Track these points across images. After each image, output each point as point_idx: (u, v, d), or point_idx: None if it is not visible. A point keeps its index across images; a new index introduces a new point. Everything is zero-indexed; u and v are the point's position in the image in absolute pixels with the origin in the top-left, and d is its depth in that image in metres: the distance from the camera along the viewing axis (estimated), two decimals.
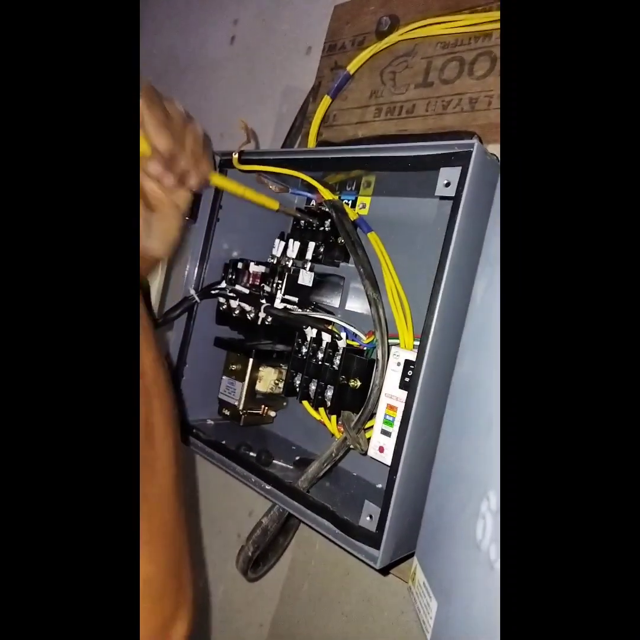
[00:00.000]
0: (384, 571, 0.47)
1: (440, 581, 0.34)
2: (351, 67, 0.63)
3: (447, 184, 0.39)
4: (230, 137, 0.96)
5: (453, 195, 0.38)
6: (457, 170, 0.38)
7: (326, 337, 0.50)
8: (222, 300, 0.59)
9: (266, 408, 0.60)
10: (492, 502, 0.30)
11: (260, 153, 0.53)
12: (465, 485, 0.33)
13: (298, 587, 0.74)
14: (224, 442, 0.57)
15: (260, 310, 0.53)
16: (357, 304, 0.61)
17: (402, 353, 0.44)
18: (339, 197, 0.58)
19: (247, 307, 0.55)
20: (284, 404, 0.63)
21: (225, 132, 1.00)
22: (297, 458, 0.57)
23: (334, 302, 0.62)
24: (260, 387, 0.59)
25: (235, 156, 0.49)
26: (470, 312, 0.37)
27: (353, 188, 0.60)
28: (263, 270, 0.56)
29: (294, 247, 0.58)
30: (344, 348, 0.49)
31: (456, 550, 0.33)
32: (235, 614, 0.81)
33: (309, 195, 0.63)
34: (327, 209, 0.58)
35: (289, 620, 0.74)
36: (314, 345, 0.51)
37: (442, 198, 0.40)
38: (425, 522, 0.39)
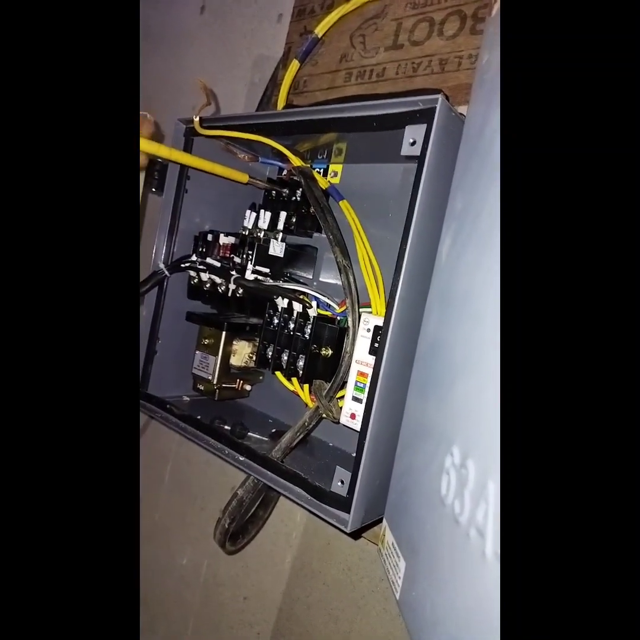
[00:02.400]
0: (355, 535, 0.47)
1: (408, 540, 0.34)
2: (319, 30, 0.61)
3: (413, 143, 0.38)
4: (204, 110, 0.94)
5: (418, 154, 0.37)
6: (422, 128, 0.37)
7: (297, 307, 0.50)
8: (192, 273, 0.57)
9: (241, 382, 0.59)
10: (456, 457, 0.30)
11: (225, 118, 0.52)
12: (430, 443, 0.33)
13: (281, 560, 0.74)
14: (199, 417, 0.56)
15: (230, 282, 0.52)
16: (331, 275, 0.61)
17: (371, 319, 0.44)
18: (311, 166, 0.56)
19: (218, 280, 0.54)
20: (260, 378, 0.63)
21: (198, 104, 0.97)
22: (273, 431, 0.57)
23: (308, 273, 0.61)
24: (234, 361, 0.58)
25: (196, 119, 0.47)
26: (436, 269, 0.37)
27: (324, 156, 0.59)
28: (233, 242, 0.55)
29: (265, 217, 0.57)
30: (314, 317, 0.48)
31: (422, 507, 0.33)
32: (219, 588, 0.81)
33: (280, 164, 0.62)
34: (297, 179, 0.57)
35: (273, 593, 0.75)
36: (285, 315, 0.50)
37: (408, 158, 0.39)
38: (393, 483, 0.39)
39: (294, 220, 0.58)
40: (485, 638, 0.25)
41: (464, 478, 0.29)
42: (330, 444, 0.57)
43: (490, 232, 0.30)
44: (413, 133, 0.38)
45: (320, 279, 0.62)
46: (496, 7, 0.34)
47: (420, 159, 0.37)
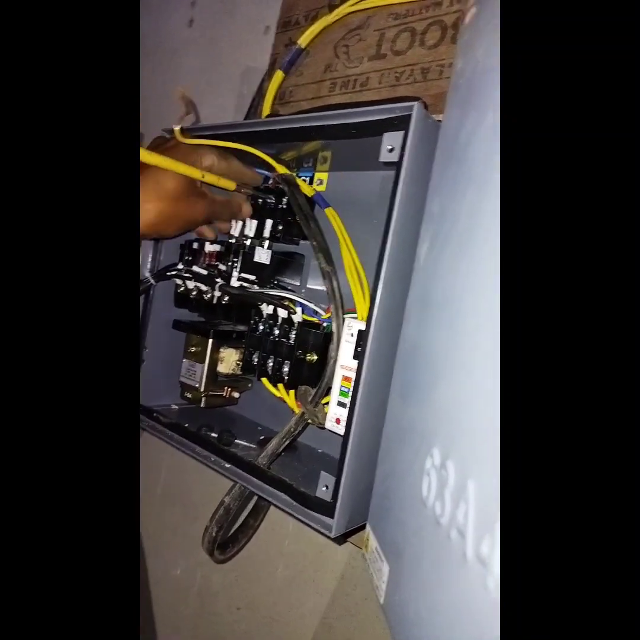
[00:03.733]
0: (343, 540, 0.47)
1: (391, 544, 0.34)
2: (302, 41, 0.62)
3: (391, 149, 0.39)
4: (193, 123, 0.96)
5: (397, 160, 0.38)
6: (399, 134, 0.38)
7: (282, 313, 0.50)
8: (179, 282, 0.58)
9: (230, 389, 0.60)
10: (436, 458, 0.30)
11: (207, 127, 0.52)
12: (412, 445, 0.33)
13: (274, 569, 0.74)
14: (186, 425, 0.56)
15: (215, 290, 0.53)
16: (319, 282, 0.61)
17: (355, 324, 0.44)
18: (297, 174, 0.57)
19: (204, 288, 0.55)
20: (249, 385, 0.63)
21: (187, 118, 0.99)
22: (262, 437, 0.57)
23: (296, 280, 0.62)
24: (221, 368, 0.58)
25: (177, 128, 0.47)
26: (415, 273, 0.37)
27: (310, 164, 0.60)
28: (218, 249, 0.55)
29: (251, 225, 0.57)
30: (299, 322, 0.49)
31: (404, 509, 0.33)
32: (213, 598, 0.81)
33: (266, 173, 0.62)
34: (283, 188, 0.58)
35: (266, 602, 0.74)
36: (271, 321, 0.51)
37: (387, 164, 0.39)
38: (376, 487, 0.39)
39: (280, 228, 0.58)
40: None
41: (444, 479, 0.29)
42: (319, 450, 0.57)
43: (467, 235, 0.30)
44: (391, 140, 0.39)
45: (308, 285, 0.62)
46: (469, 15, 0.35)
47: (398, 165, 0.37)
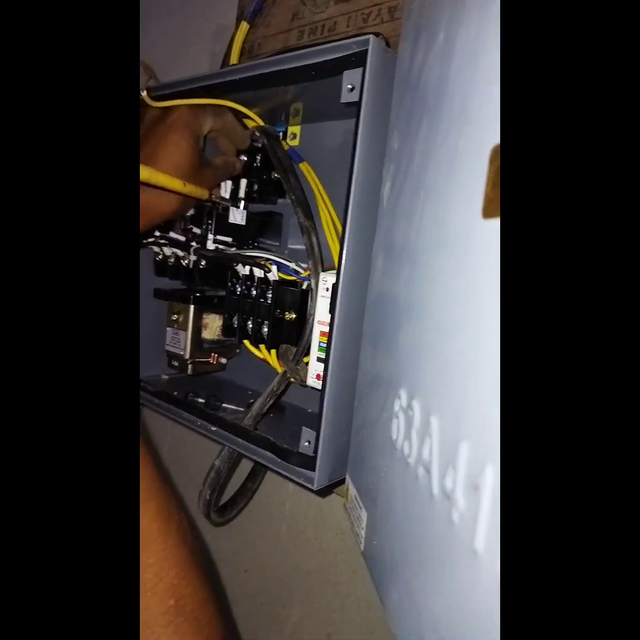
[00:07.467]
0: (323, 493, 0.47)
1: (366, 489, 0.34)
2: None
3: (351, 88, 0.37)
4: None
5: (357, 99, 0.36)
6: (358, 72, 0.36)
7: (258, 273, 0.49)
8: (157, 249, 0.57)
9: (217, 355, 0.59)
10: (403, 399, 0.29)
11: (168, 85, 0.50)
12: (381, 391, 0.32)
13: (276, 531, 0.75)
14: (175, 393, 0.56)
15: (191, 254, 0.52)
16: (300, 240, 0.60)
17: (329, 278, 0.43)
18: None
19: (181, 253, 0.54)
20: (237, 351, 0.62)
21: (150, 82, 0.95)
22: (251, 401, 0.57)
23: (276, 240, 0.60)
24: (206, 334, 0.58)
25: (144, 94, 0.45)
26: (379, 216, 0.36)
27: (282, 119, 0.58)
28: (192, 213, 0.54)
29: (226, 186, 0.56)
30: (275, 280, 0.48)
31: (377, 454, 0.33)
32: (220, 564, 0.83)
33: None
34: (257, 144, 0.56)
35: (272, 563, 0.76)
36: (248, 282, 0.50)
37: (348, 105, 0.38)
38: (352, 437, 0.39)
39: (256, 187, 0.57)
40: (437, 581, 0.25)
41: (410, 419, 0.28)
42: (309, 410, 0.57)
43: (423, 167, 0.29)
44: (350, 78, 0.37)
45: (289, 245, 0.61)
46: None
47: (358, 104, 0.36)
